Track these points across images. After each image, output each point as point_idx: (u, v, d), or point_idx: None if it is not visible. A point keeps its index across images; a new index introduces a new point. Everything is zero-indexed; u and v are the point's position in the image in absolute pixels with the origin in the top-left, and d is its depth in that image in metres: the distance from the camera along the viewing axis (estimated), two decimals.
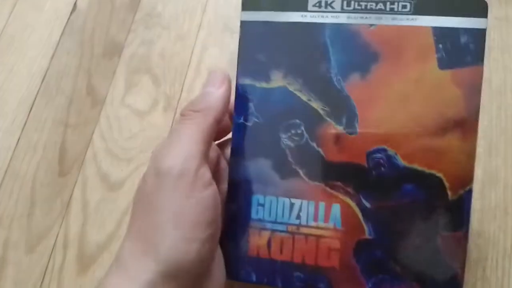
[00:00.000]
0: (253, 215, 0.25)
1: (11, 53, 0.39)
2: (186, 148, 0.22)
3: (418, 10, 0.23)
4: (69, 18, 0.39)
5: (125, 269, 0.21)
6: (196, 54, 0.36)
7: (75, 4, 0.39)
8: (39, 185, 0.34)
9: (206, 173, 0.22)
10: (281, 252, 0.24)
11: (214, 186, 0.23)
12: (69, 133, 0.35)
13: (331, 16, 0.24)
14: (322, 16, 0.24)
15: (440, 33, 0.23)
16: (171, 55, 0.36)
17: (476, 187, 0.29)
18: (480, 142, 0.30)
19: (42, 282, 0.32)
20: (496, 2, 0.33)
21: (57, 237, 0.33)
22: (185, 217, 0.21)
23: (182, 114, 0.24)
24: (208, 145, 0.23)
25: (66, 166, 0.34)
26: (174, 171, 0.21)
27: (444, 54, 0.23)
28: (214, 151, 0.26)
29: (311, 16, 0.24)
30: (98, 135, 0.35)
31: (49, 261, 0.32)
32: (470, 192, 0.23)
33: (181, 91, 0.35)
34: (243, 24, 0.25)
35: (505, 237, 0.29)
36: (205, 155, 0.23)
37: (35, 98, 0.37)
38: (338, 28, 0.24)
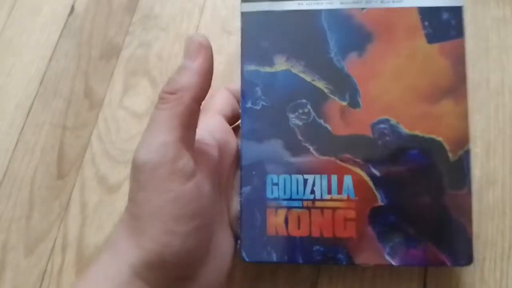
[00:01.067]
0: (268, 194, 0.25)
1: (9, 55, 0.38)
2: (160, 137, 0.21)
3: None
4: (66, 21, 0.39)
5: (115, 249, 0.21)
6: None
7: (72, 6, 0.39)
8: (37, 188, 0.34)
9: (187, 163, 0.21)
10: (299, 228, 0.25)
11: (199, 176, 0.22)
12: (67, 135, 0.35)
13: (326, 3, 0.26)
14: (317, 3, 0.26)
15: (425, 12, 0.25)
16: (169, 57, 0.36)
17: (474, 187, 0.29)
18: (477, 143, 0.31)
19: (41, 285, 0.31)
20: (494, 2, 0.34)
21: (55, 239, 0.32)
22: (164, 211, 0.20)
23: (159, 97, 0.22)
24: (187, 129, 0.22)
25: (64, 168, 0.34)
26: (148, 166, 0.20)
27: (430, 30, 0.25)
28: (235, 139, 0.26)
29: (307, 4, 0.26)
30: (96, 138, 0.34)
31: (47, 264, 0.31)
32: (468, 152, 0.25)
33: None
34: (244, 15, 0.26)
35: (503, 238, 0.29)
36: (185, 142, 0.21)
37: (33, 101, 0.36)
38: (333, 12, 0.26)
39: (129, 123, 0.35)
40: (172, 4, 0.38)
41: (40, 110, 0.36)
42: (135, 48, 0.37)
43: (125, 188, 0.33)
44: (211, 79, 0.23)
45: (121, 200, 0.33)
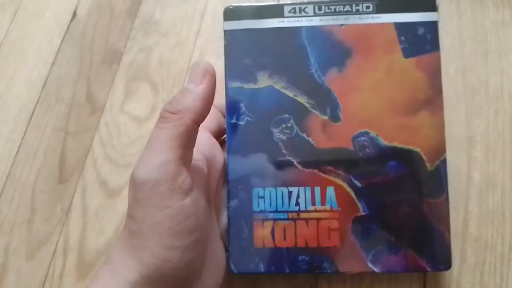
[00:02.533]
0: (255, 207, 0.26)
1: (12, 60, 0.39)
2: (161, 156, 0.21)
3: (380, 9, 0.27)
4: (69, 26, 0.39)
5: (113, 266, 0.22)
6: (194, 61, 0.36)
7: (74, 12, 0.40)
8: (39, 192, 0.34)
9: (186, 180, 0.22)
10: (285, 239, 0.26)
11: (195, 192, 0.23)
12: (69, 140, 0.35)
13: (306, 20, 0.27)
14: (298, 21, 0.27)
15: (401, 28, 0.26)
16: (169, 62, 0.37)
17: (473, 192, 0.30)
18: (477, 147, 0.31)
19: None
20: (493, 5, 0.34)
21: (57, 243, 0.32)
22: (163, 227, 0.21)
23: (160, 116, 0.23)
24: (186, 148, 0.23)
25: (66, 173, 0.34)
26: (149, 184, 0.21)
27: (407, 45, 0.26)
28: (221, 154, 0.27)
29: (288, 21, 0.27)
30: (98, 142, 0.35)
31: (49, 268, 0.32)
32: (444, 161, 0.26)
33: None
34: (227, 33, 0.27)
35: (503, 242, 0.29)
36: (184, 160, 0.22)
37: (36, 106, 0.37)
38: (313, 29, 0.27)
39: (130, 127, 0.35)
40: (173, 10, 0.39)
41: (42, 115, 0.36)
42: (136, 53, 0.37)
43: (126, 192, 0.33)
44: (211, 104, 0.24)
45: (122, 204, 0.33)
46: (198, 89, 0.23)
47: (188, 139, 0.22)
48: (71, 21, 0.39)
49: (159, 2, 0.39)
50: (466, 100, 0.32)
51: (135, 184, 0.21)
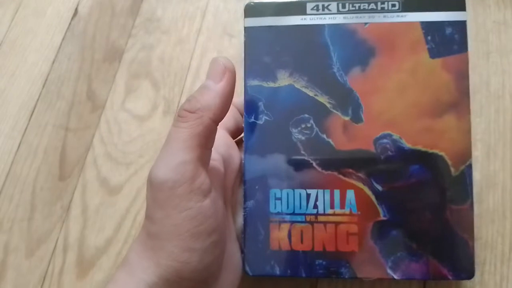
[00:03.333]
0: (272, 209, 0.25)
1: (13, 57, 0.39)
2: (179, 157, 0.21)
3: (406, 7, 0.26)
4: (70, 23, 0.39)
5: (130, 268, 0.21)
6: (195, 59, 0.36)
7: (76, 9, 0.40)
8: (39, 189, 0.34)
9: (204, 181, 0.21)
10: (302, 242, 0.25)
11: (213, 193, 0.22)
12: (69, 137, 0.35)
13: (329, 18, 0.26)
14: (321, 18, 0.26)
15: (428, 27, 0.26)
16: (171, 60, 0.37)
17: (474, 191, 0.29)
18: (478, 146, 0.31)
19: (42, 286, 0.31)
20: (494, 6, 0.34)
21: (57, 241, 0.32)
22: (183, 228, 0.21)
23: (178, 115, 0.22)
24: (205, 148, 0.22)
25: (66, 170, 0.34)
26: (167, 184, 0.20)
27: (433, 45, 0.25)
28: (238, 153, 0.27)
29: (310, 19, 0.26)
30: (98, 140, 0.35)
31: (49, 265, 0.32)
32: (470, 166, 0.25)
33: (181, 95, 0.35)
34: (247, 30, 0.27)
35: (503, 241, 0.29)
36: (203, 161, 0.22)
37: (36, 103, 0.37)
38: (336, 27, 0.26)
39: (131, 125, 0.35)
40: (174, 7, 0.38)
41: (43, 112, 0.36)
42: (138, 51, 0.37)
43: (127, 190, 0.33)
44: (231, 101, 0.23)
45: (122, 202, 0.33)
46: (218, 87, 0.22)
47: (207, 138, 0.22)
48: (72, 18, 0.39)
49: (160, 0, 0.39)
50: None
51: (153, 185, 0.21)
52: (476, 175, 0.30)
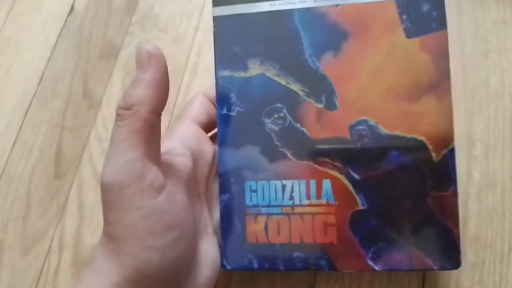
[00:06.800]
0: (247, 202, 0.25)
1: (8, 54, 0.39)
2: (123, 157, 0.20)
3: None
4: (66, 20, 0.39)
5: (96, 268, 0.21)
6: (192, 57, 0.36)
7: (72, 6, 0.40)
8: (34, 188, 0.34)
9: (156, 177, 0.21)
10: (278, 234, 0.25)
11: (170, 187, 0.22)
12: (65, 135, 0.35)
13: (298, 2, 0.25)
14: (290, 3, 0.25)
15: (403, 5, 0.24)
16: (168, 57, 0.35)
17: (473, 190, 0.29)
18: (477, 145, 0.30)
19: (37, 285, 0.32)
20: (494, 5, 0.33)
21: (52, 239, 0.33)
22: (138, 228, 0.20)
23: (116, 114, 0.21)
24: (150, 143, 0.21)
25: (62, 168, 0.34)
26: (115, 187, 0.20)
27: (409, 24, 0.24)
28: (210, 147, 0.26)
29: (279, 4, 0.25)
30: (94, 137, 0.35)
31: (44, 264, 0.32)
32: (452, 151, 0.23)
33: (178, 93, 0.35)
34: (216, 19, 0.26)
35: (503, 241, 0.28)
36: (150, 156, 0.21)
37: (31, 100, 0.37)
38: (306, 12, 0.25)
39: None
40: (171, 5, 0.38)
41: (38, 110, 0.36)
42: (134, 49, 0.37)
43: None
44: (167, 87, 0.22)
45: None
46: (146, 76, 0.21)
47: (150, 133, 0.21)
48: (68, 15, 0.39)
49: None
50: (466, 98, 0.31)
51: (102, 188, 0.21)
52: (475, 175, 0.30)
